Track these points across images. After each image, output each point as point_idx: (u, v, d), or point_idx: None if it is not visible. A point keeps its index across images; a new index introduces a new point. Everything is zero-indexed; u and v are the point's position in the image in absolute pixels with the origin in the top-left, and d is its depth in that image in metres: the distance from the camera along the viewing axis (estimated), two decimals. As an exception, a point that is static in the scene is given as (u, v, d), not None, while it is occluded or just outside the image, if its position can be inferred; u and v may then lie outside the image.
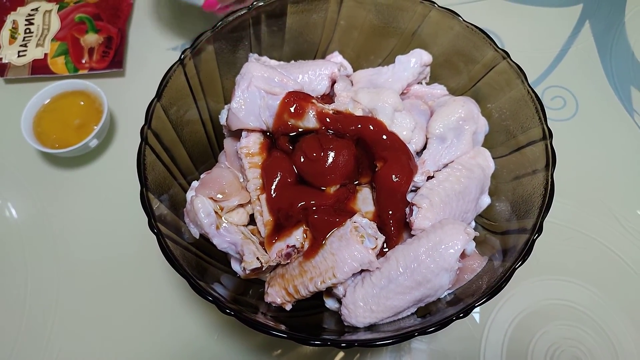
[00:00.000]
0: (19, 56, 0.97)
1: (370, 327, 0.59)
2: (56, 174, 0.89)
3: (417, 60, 0.73)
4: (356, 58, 0.81)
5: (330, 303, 0.64)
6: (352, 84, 0.75)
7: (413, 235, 0.60)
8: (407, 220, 0.62)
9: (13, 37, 1.00)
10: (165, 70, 0.67)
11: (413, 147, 0.67)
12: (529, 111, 0.66)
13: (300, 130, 0.65)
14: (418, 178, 0.64)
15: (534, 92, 0.65)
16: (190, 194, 0.65)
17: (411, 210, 0.61)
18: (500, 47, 0.69)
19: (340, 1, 0.77)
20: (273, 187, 0.63)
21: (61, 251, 0.82)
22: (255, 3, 0.72)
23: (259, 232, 0.64)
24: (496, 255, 0.62)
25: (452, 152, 0.67)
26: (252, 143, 0.66)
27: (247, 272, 0.61)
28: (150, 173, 0.61)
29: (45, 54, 0.98)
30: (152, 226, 0.57)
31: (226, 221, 0.63)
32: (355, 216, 0.60)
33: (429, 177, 0.65)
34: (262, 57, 0.77)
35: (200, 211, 0.61)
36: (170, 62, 0.68)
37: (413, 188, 0.65)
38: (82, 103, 0.88)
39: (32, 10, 1.03)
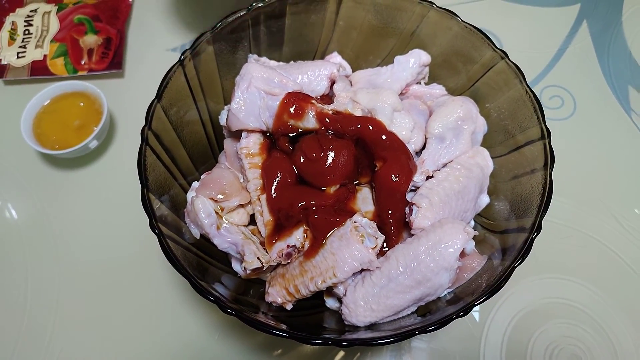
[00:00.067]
0: (18, 57, 0.98)
1: (371, 326, 0.60)
2: (56, 175, 0.89)
3: (415, 60, 0.73)
4: (355, 58, 0.82)
5: (330, 302, 0.64)
6: (351, 85, 0.76)
7: (413, 235, 0.60)
8: (407, 219, 0.62)
9: (12, 39, 1.00)
10: (165, 70, 0.67)
11: (412, 147, 0.67)
12: (527, 111, 0.66)
13: (300, 130, 0.65)
14: (417, 178, 0.65)
15: (532, 91, 0.66)
16: (190, 194, 0.66)
17: (411, 210, 0.62)
18: (498, 47, 0.70)
19: (339, 2, 0.78)
20: (273, 187, 0.64)
21: (61, 252, 0.82)
22: (254, 4, 0.73)
23: (260, 232, 0.65)
24: (495, 254, 0.62)
25: (451, 152, 0.67)
26: (252, 143, 0.66)
27: (248, 272, 0.61)
28: (151, 174, 0.61)
29: (45, 55, 0.98)
30: (153, 227, 0.57)
31: (227, 221, 0.63)
32: (355, 216, 0.61)
33: (428, 177, 0.66)
34: (262, 57, 0.77)
35: (201, 211, 0.61)
36: (169, 63, 0.69)
37: (412, 188, 0.65)
38: (81, 104, 0.89)
39: (31, 11, 1.04)
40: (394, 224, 0.62)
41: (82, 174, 0.89)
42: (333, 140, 0.64)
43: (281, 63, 0.76)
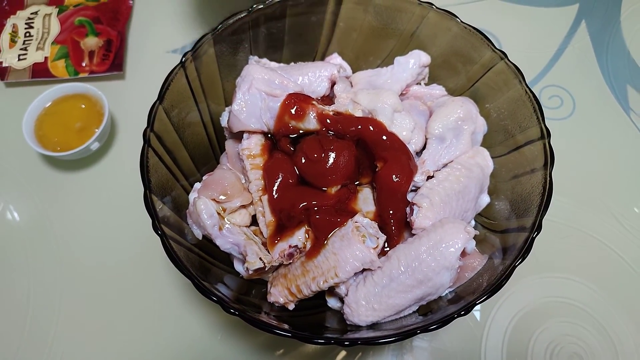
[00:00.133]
0: (19, 60, 0.98)
1: (373, 326, 0.60)
2: (57, 176, 0.89)
3: (415, 61, 0.74)
4: (355, 59, 0.82)
5: (332, 302, 0.65)
6: (352, 86, 0.76)
7: (414, 235, 0.61)
8: (408, 219, 0.62)
9: (13, 41, 1.00)
10: (165, 72, 0.67)
11: (413, 147, 0.67)
12: (527, 111, 0.66)
13: (301, 131, 0.66)
14: (418, 178, 0.65)
15: (531, 92, 0.66)
16: (192, 195, 0.66)
17: (412, 210, 0.62)
18: (497, 47, 0.70)
19: (339, 3, 0.78)
20: (275, 188, 0.64)
21: (63, 253, 0.82)
22: (255, 6, 0.73)
23: (261, 233, 0.65)
24: (496, 254, 0.63)
25: (451, 152, 0.67)
26: (253, 145, 0.67)
27: (250, 272, 0.61)
28: (153, 175, 0.62)
29: (46, 58, 0.98)
30: (156, 228, 0.57)
31: (229, 222, 0.63)
32: (357, 216, 0.61)
33: (429, 177, 0.66)
34: (262, 59, 0.78)
35: (203, 212, 0.61)
36: (169, 65, 0.69)
37: (413, 188, 0.66)
38: (83, 106, 0.89)
39: (31, 13, 1.04)
40: (395, 224, 0.63)
41: (84, 176, 0.89)
42: (334, 141, 0.64)
43: (282, 64, 0.77)
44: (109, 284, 0.80)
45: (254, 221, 0.67)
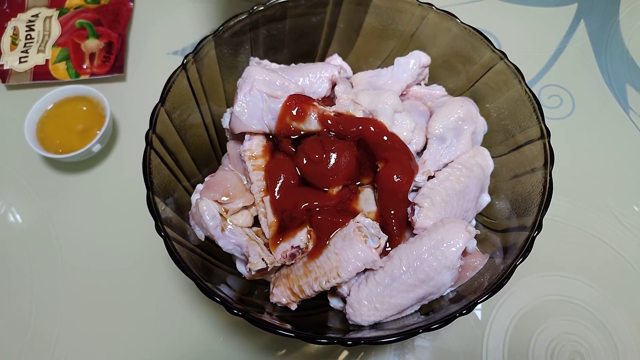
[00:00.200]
0: (20, 62, 0.98)
1: (375, 325, 0.60)
2: (60, 178, 0.90)
3: (415, 61, 0.74)
4: (355, 60, 0.82)
5: (334, 302, 0.65)
6: (352, 86, 0.76)
7: (415, 234, 0.61)
8: (409, 219, 0.63)
9: (14, 44, 1.00)
10: (166, 74, 0.68)
11: (413, 147, 0.68)
12: (527, 111, 0.67)
13: (302, 132, 0.66)
14: (419, 178, 0.65)
15: (531, 92, 0.66)
16: (195, 197, 0.66)
17: (413, 210, 0.62)
18: (497, 47, 0.70)
19: (339, 4, 0.78)
20: (277, 188, 0.64)
21: (65, 254, 0.82)
22: (255, 7, 0.73)
23: (264, 234, 0.65)
24: (497, 253, 0.63)
25: (451, 152, 0.68)
26: (255, 146, 0.67)
27: (253, 273, 0.62)
28: (156, 177, 0.62)
29: (47, 60, 0.98)
30: (159, 229, 0.57)
31: (231, 223, 0.63)
32: (358, 216, 0.61)
33: (430, 177, 0.66)
34: (263, 60, 0.78)
35: (206, 214, 0.61)
36: (170, 67, 0.69)
37: (414, 188, 0.66)
38: (84, 108, 0.89)
39: (32, 16, 1.04)
40: (397, 224, 0.63)
41: (86, 178, 0.90)
42: (335, 142, 0.64)
43: (282, 66, 0.77)
44: (110, 285, 0.80)
45: (256, 222, 0.67)
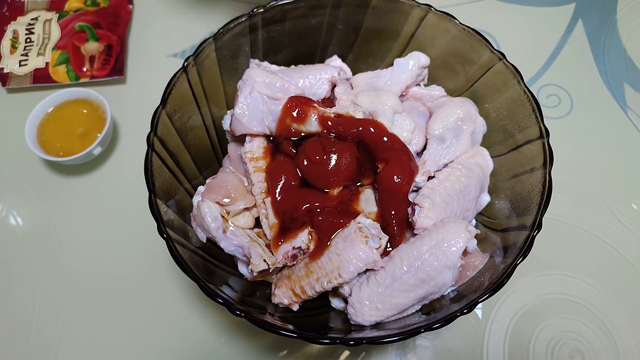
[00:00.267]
0: (20, 65, 0.98)
1: (376, 325, 0.61)
2: (60, 181, 0.90)
3: (415, 62, 0.75)
4: (355, 61, 0.83)
5: (336, 302, 0.66)
6: (352, 87, 0.77)
7: (416, 235, 0.61)
8: (410, 219, 0.63)
9: (14, 47, 1.01)
10: (166, 76, 0.68)
11: (413, 148, 0.68)
12: (526, 111, 0.67)
13: (302, 134, 0.66)
14: (419, 178, 0.66)
15: (530, 92, 0.67)
16: (196, 198, 0.67)
17: (413, 210, 0.63)
18: (495, 47, 0.71)
19: (338, 5, 0.79)
20: (278, 190, 0.65)
21: (67, 257, 0.83)
22: (255, 10, 0.74)
23: (265, 235, 0.66)
24: (497, 252, 0.63)
25: (451, 152, 0.68)
26: (256, 147, 0.67)
27: (255, 274, 0.62)
28: (157, 179, 0.62)
29: (47, 63, 0.99)
30: (161, 231, 0.58)
31: (233, 225, 0.64)
32: (359, 217, 0.62)
33: (430, 177, 0.67)
34: (263, 62, 0.78)
35: (207, 215, 0.62)
36: (170, 69, 0.70)
37: (414, 188, 0.66)
38: (85, 111, 0.89)
39: (32, 19, 1.04)
40: (397, 224, 0.63)
41: (87, 180, 0.90)
42: (335, 143, 0.65)
43: (282, 67, 0.78)
44: (111, 287, 0.80)
45: (258, 223, 0.68)
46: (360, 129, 0.66)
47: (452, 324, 0.54)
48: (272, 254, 0.63)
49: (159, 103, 0.66)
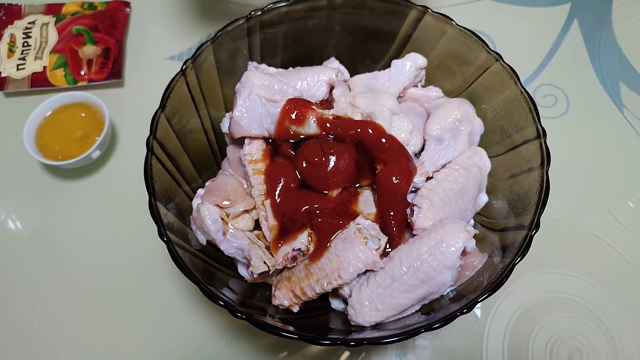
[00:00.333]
0: (18, 69, 0.98)
1: (377, 326, 0.61)
2: (59, 185, 0.90)
3: (412, 64, 0.75)
4: (352, 63, 0.83)
5: (336, 304, 0.66)
6: (350, 89, 0.77)
7: (415, 235, 0.62)
8: (409, 220, 0.63)
9: (11, 51, 1.00)
10: (164, 79, 0.68)
11: (411, 149, 0.68)
12: (523, 111, 0.68)
13: (301, 136, 0.67)
14: (417, 179, 0.66)
15: (527, 92, 0.67)
16: (196, 201, 0.67)
17: (412, 211, 0.63)
18: (492, 48, 0.71)
19: (335, 7, 0.79)
20: (277, 192, 0.65)
21: (67, 260, 0.83)
22: (253, 12, 0.74)
23: (265, 237, 0.66)
24: (496, 252, 0.64)
25: (449, 153, 0.68)
26: (255, 150, 0.68)
27: (255, 276, 0.62)
28: (157, 182, 0.62)
29: (44, 67, 0.99)
30: (161, 234, 0.58)
31: (232, 227, 0.64)
32: (358, 218, 0.62)
33: (428, 178, 0.67)
34: (261, 64, 0.79)
35: (207, 218, 0.62)
36: (167, 71, 0.70)
37: (413, 189, 0.67)
38: (83, 115, 0.89)
39: (29, 23, 1.04)
40: (396, 225, 0.64)
41: (86, 184, 0.90)
42: (334, 145, 0.65)
43: (280, 70, 0.78)
44: (111, 290, 0.80)
45: (257, 225, 0.68)
46: (359, 130, 0.66)
47: (451, 324, 0.55)
48: (272, 256, 0.63)
49: (156, 106, 0.66)
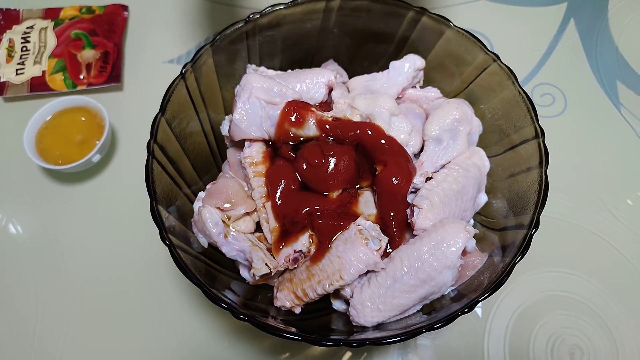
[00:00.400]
0: (17, 74, 0.98)
1: (378, 326, 0.61)
2: (60, 189, 0.90)
3: (410, 65, 0.75)
4: (351, 65, 0.83)
5: (337, 304, 0.66)
6: (349, 91, 0.77)
7: (415, 236, 0.62)
8: (409, 221, 0.63)
9: (10, 56, 1.01)
10: (162, 82, 0.69)
11: (411, 149, 0.69)
12: (521, 111, 0.68)
13: (301, 138, 0.67)
14: (417, 180, 0.66)
15: (524, 92, 0.67)
16: (197, 204, 0.67)
17: (412, 211, 0.63)
18: (489, 48, 0.71)
19: (333, 9, 0.79)
20: (278, 194, 0.65)
21: (68, 265, 0.83)
22: (251, 15, 0.74)
23: (266, 239, 0.66)
24: (496, 251, 0.64)
25: (448, 153, 0.69)
26: (255, 152, 0.68)
27: (257, 278, 0.62)
28: (158, 186, 0.63)
29: (43, 71, 0.99)
30: (163, 238, 0.58)
31: (234, 229, 0.64)
32: (359, 219, 0.62)
33: (428, 179, 0.67)
34: (260, 67, 0.79)
35: (209, 221, 0.62)
36: (166, 75, 0.70)
37: (413, 190, 0.67)
38: (83, 119, 0.90)
39: (27, 28, 1.04)
40: (397, 226, 0.64)
41: (86, 188, 0.90)
42: (334, 147, 0.65)
43: (279, 72, 0.78)
44: (112, 293, 0.80)
45: (258, 228, 0.68)
46: (358, 132, 0.66)
47: (452, 323, 0.55)
48: (274, 258, 0.64)
49: (156, 109, 0.66)
